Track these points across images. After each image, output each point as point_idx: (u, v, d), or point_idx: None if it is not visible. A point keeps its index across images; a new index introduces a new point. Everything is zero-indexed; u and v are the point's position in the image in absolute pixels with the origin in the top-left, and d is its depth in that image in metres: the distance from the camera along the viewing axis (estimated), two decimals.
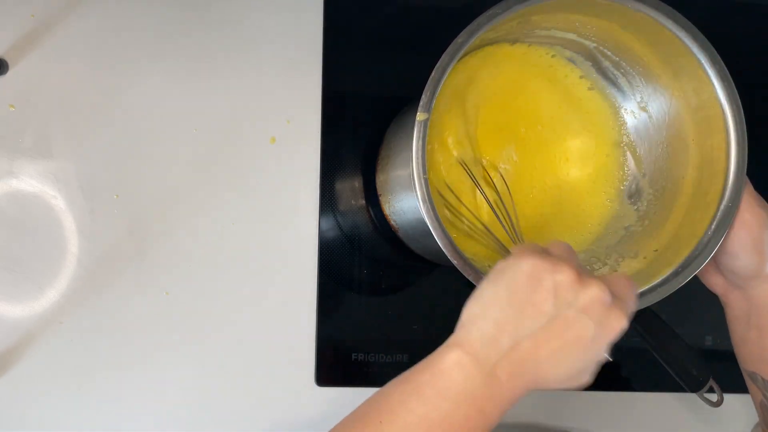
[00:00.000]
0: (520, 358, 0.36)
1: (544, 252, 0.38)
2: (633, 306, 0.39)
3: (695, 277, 0.48)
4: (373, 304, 0.61)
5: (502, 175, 0.54)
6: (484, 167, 0.54)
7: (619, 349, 0.62)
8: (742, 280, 0.49)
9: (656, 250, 0.51)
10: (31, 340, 0.56)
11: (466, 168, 0.53)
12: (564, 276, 0.36)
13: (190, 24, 0.60)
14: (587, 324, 0.36)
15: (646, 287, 0.48)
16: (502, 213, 0.51)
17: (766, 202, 0.49)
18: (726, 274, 0.50)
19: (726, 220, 0.48)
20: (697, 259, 0.48)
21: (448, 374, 0.37)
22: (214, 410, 0.58)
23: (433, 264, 0.61)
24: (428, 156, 0.51)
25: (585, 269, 0.39)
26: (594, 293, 0.36)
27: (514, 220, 0.51)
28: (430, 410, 0.36)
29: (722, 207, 0.48)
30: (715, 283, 0.52)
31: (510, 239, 0.50)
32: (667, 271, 0.48)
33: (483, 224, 0.52)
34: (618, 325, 0.37)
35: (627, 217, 0.56)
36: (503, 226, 0.50)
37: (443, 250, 0.45)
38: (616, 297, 0.38)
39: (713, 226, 0.48)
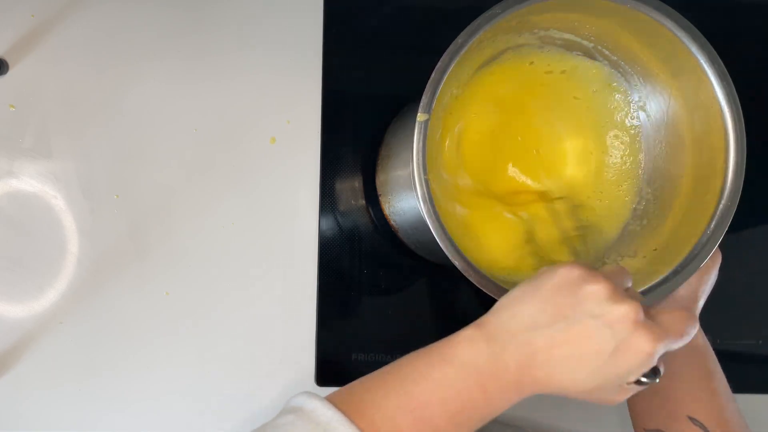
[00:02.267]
0: (531, 352, 0.37)
1: (594, 269, 0.39)
2: (674, 339, 0.38)
3: None
4: (373, 304, 0.61)
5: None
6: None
7: None
8: None
9: (655, 250, 0.51)
10: (31, 340, 0.56)
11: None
12: (596, 287, 0.37)
13: (190, 24, 0.60)
14: (607, 338, 0.36)
15: (646, 287, 0.48)
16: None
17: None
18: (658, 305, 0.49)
19: (725, 220, 0.48)
20: (696, 258, 0.48)
21: (458, 345, 0.39)
22: (214, 410, 0.58)
23: (433, 264, 0.61)
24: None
25: (629, 292, 0.39)
26: (624, 310, 0.36)
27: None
28: (431, 370, 0.38)
29: (721, 206, 0.48)
30: None
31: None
32: (667, 270, 0.48)
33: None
34: (644, 347, 0.36)
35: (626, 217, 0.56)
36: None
37: (443, 250, 0.45)
38: (657, 325, 0.37)
39: (712, 225, 0.48)
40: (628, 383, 0.38)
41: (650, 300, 0.46)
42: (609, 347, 0.36)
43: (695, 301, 0.50)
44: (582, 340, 0.37)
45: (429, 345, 0.40)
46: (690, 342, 0.48)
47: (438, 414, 0.38)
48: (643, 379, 0.38)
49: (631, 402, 0.51)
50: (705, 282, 0.50)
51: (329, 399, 0.40)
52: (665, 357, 0.39)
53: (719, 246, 0.48)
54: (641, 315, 0.37)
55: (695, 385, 0.48)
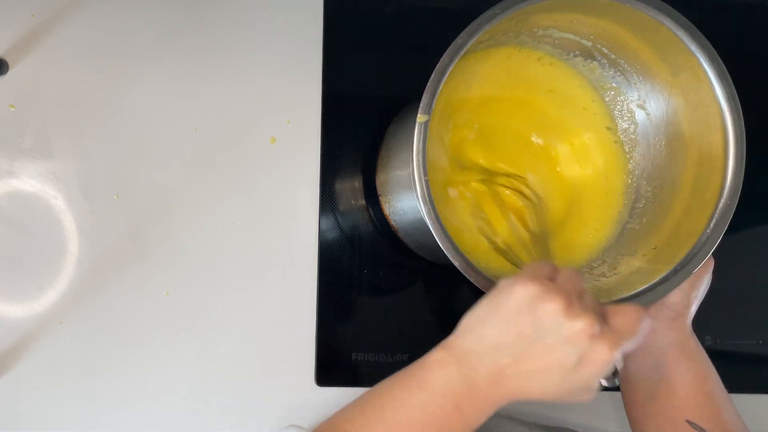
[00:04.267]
0: (499, 371, 0.39)
1: (545, 278, 0.40)
2: (629, 341, 0.40)
3: None
4: (373, 304, 0.61)
5: (531, 190, 0.55)
6: (505, 180, 0.55)
7: None
8: (661, 318, 0.50)
9: (655, 248, 0.51)
10: (31, 340, 0.56)
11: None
12: (552, 305, 0.38)
13: (190, 24, 0.60)
14: (568, 352, 0.38)
15: (646, 285, 0.48)
16: (521, 227, 0.53)
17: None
18: (650, 311, 0.50)
19: (725, 218, 0.48)
20: (696, 256, 0.48)
21: (430, 369, 0.40)
22: (214, 410, 0.58)
23: (433, 264, 0.61)
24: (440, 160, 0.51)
25: (584, 301, 0.40)
26: (579, 326, 0.38)
27: (536, 235, 0.52)
28: (408, 396, 0.40)
29: (720, 205, 0.48)
30: None
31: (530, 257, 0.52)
32: (667, 269, 0.48)
33: (501, 242, 0.53)
34: (603, 357, 0.38)
35: (624, 215, 0.56)
36: (522, 243, 0.52)
37: (443, 250, 0.45)
38: (612, 330, 0.39)
39: (712, 224, 0.48)
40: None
41: (609, 301, 0.47)
42: (571, 360, 0.38)
43: (687, 306, 0.50)
44: (544, 356, 0.39)
45: (404, 368, 0.42)
46: (683, 346, 0.48)
47: None
48: (604, 382, 0.40)
49: (629, 407, 0.52)
50: (697, 288, 0.50)
51: None
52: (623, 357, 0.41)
53: (718, 245, 0.48)
54: (596, 327, 0.38)
55: (691, 389, 0.49)
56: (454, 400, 0.39)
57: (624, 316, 0.40)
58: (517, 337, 0.39)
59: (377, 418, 0.40)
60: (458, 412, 0.40)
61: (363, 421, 0.40)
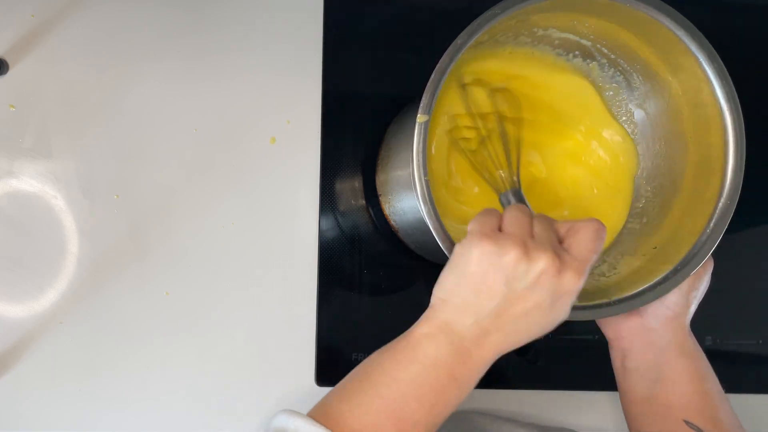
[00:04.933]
0: (484, 331, 0.40)
1: (494, 229, 0.41)
2: (593, 257, 0.41)
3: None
4: (373, 304, 0.61)
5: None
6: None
7: None
8: (659, 318, 0.50)
9: (655, 248, 0.51)
10: (31, 340, 0.56)
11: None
12: (510, 257, 0.39)
13: (190, 24, 0.60)
14: (541, 294, 0.39)
15: (646, 285, 0.48)
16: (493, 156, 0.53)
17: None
18: (649, 310, 0.50)
19: (724, 218, 0.48)
20: (696, 256, 0.48)
21: (419, 344, 0.41)
22: (214, 410, 0.58)
23: (433, 264, 0.61)
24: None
25: (538, 238, 0.40)
26: (541, 266, 0.39)
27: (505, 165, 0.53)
28: (401, 372, 0.41)
29: (720, 204, 0.48)
30: (629, 326, 0.51)
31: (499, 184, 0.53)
32: (667, 269, 0.48)
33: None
34: (572, 286, 0.40)
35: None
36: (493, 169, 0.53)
37: (444, 250, 0.45)
38: (573, 255, 0.40)
39: (712, 224, 0.48)
40: None
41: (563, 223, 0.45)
42: (546, 300, 0.40)
43: (686, 306, 0.50)
44: (520, 304, 0.40)
45: (391, 343, 0.43)
46: (681, 346, 0.49)
47: (416, 410, 0.40)
48: None
49: (627, 406, 0.52)
50: (696, 288, 0.51)
51: (310, 416, 0.41)
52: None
53: (718, 245, 0.48)
54: (557, 262, 0.39)
55: (689, 389, 0.49)
56: (446, 369, 0.40)
57: (581, 235, 0.41)
58: (490, 296, 0.40)
59: (373, 396, 0.40)
60: (452, 379, 0.40)
61: (359, 400, 0.41)
